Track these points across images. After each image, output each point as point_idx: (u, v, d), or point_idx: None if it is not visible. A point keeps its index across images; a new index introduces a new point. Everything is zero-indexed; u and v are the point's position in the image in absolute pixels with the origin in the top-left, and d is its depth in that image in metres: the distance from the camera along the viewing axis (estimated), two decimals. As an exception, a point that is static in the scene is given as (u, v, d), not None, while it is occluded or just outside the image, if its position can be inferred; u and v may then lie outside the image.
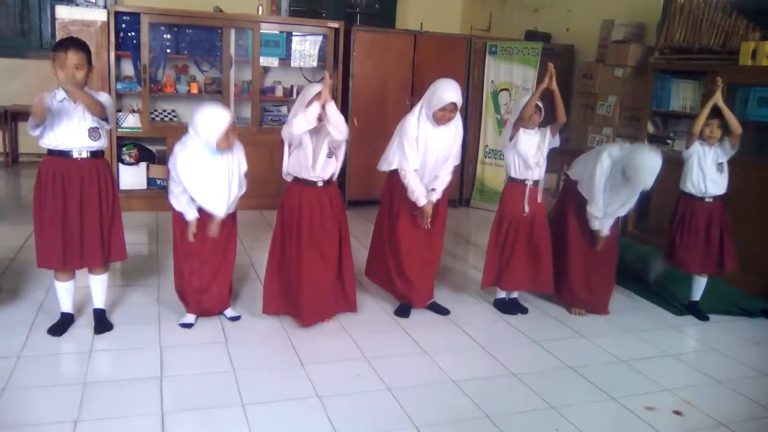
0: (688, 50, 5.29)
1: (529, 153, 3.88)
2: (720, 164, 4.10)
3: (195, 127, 3.34)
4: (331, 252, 3.67)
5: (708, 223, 4.16)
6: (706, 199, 4.14)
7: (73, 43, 3.25)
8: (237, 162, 3.50)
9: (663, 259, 4.46)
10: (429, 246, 3.97)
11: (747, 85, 4.77)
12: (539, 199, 4.00)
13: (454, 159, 3.86)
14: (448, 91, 3.64)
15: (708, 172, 4.08)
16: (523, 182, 3.96)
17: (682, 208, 4.23)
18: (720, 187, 4.13)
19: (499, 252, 4.05)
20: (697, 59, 5.20)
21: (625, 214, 4.20)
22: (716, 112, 4.03)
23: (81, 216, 3.33)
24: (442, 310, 4.04)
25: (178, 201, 3.44)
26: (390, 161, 3.83)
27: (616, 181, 3.83)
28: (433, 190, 3.82)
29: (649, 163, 3.62)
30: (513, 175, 3.99)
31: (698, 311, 4.28)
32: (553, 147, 3.98)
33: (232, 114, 3.40)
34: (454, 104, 3.65)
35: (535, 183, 3.97)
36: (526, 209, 3.95)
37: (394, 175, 3.86)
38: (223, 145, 3.35)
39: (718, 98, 4.00)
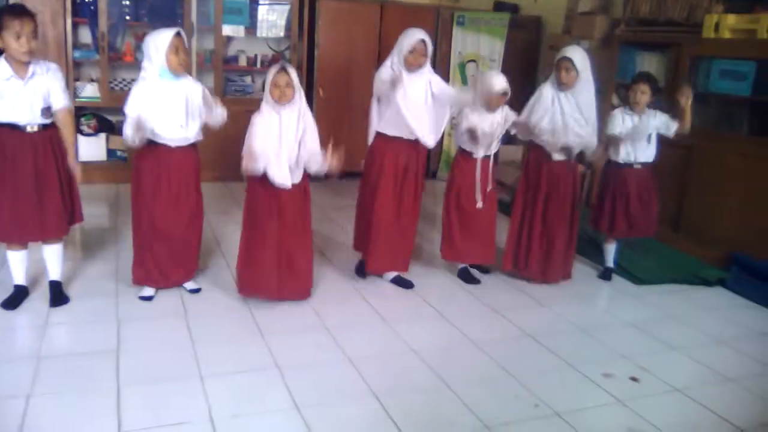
0: (653, 22, 5.29)
1: (484, 136, 3.91)
2: (648, 135, 4.12)
3: (146, 53, 3.27)
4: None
5: (638, 189, 4.19)
6: (635, 165, 4.17)
7: (22, 10, 3.13)
8: (194, 87, 3.38)
9: (588, 223, 4.49)
10: (406, 216, 3.93)
11: (710, 58, 4.80)
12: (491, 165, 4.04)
13: (442, 109, 3.82)
14: (416, 32, 3.66)
15: (639, 146, 4.12)
16: (471, 155, 3.97)
17: (609, 175, 4.27)
18: (648, 156, 4.17)
19: (456, 222, 4.09)
20: (662, 31, 5.20)
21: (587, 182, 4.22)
22: (645, 77, 4.04)
23: (39, 188, 3.25)
24: (405, 284, 4.03)
25: (128, 123, 3.27)
26: (372, 121, 3.84)
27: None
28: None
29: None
30: (465, 147, 4.00)
31: (610, 275, 4.39)
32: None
33: (179, 29, 3.29)
34: (423, 42, 3.65)
35: (486, 156, 3.98)
36: (478, 192, 3.97)
37: (374, 143, 3.86)
38: (174, 61, 3.24)
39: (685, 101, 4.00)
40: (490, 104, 3.86)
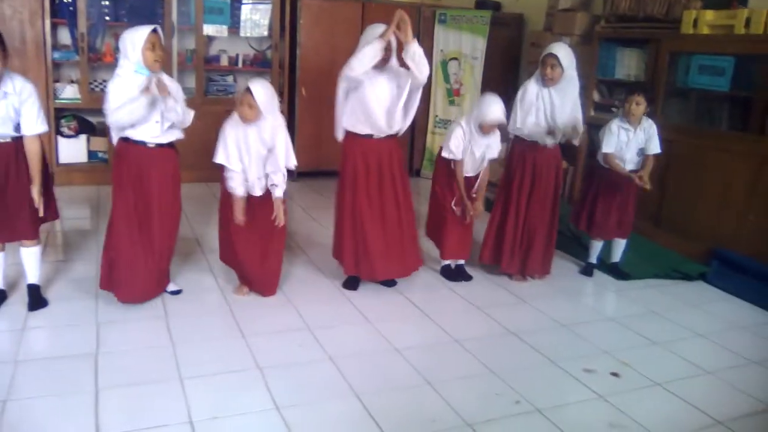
0: (633, 18, 5.31)
1: (472, 161, 3.95)
2: (641, 149, 4.13)
3: (122, 50, 3.24)
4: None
5: (622, 193, 4.21)
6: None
7: None
8: (173, 85, 3.36)
9: (569, 220, 4.50)
10: (396, 218, 3.87)
11: (689, 53, 4.83)
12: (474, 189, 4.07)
13: (411, 106, 3.79)
14: (376, 28, 3.63)
15: (629, 157, 4.14)
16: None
17: (598, 179, 4.26)
18: (636, 165, 4.18)
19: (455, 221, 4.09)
20: (642, 28, 5.23)
21: (569, 179, 4.23)
22: (641, 88, 4.05)
23: (9, 192, 3.22)
24: (388, 282, 4.01)
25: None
26: (338, 120, 3.80)
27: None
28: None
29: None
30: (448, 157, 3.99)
31: (620, 272, 4.39)
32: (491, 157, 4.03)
33: (155, 26, 3.26)
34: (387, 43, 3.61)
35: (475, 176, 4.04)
36: (464, 199, 3.99)
37: (347, 144, 3.80)
38: (150, 57, 3.21)
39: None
40: (482, 129, 3.85)
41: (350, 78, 3.60)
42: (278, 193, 3.50)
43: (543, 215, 4.09)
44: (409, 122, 3.86)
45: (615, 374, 3.11)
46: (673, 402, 2.90)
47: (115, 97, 3.21)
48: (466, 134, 3.89)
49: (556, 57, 3.79)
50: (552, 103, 3.87)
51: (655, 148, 4.10)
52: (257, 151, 3.40)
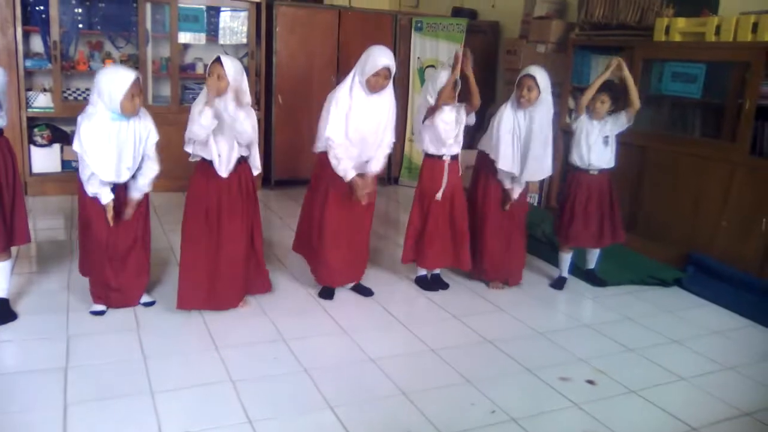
0: (607, 26, 5.36)
1: (446, 130, 3.87)
2: (606, 138, 4.13)
3: (98, 89, 3.15)
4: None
5: (595, 196, 4.19)
6: (591, 172, 4.17)
7: None
8: (146, 130, 3.31)
9: (552, 231, 4.50)
10: (358, 229, 3.89)
11: (661, 61, 4.88)
12: (459, 172, 4.01)
13: (391, 133, 3.78)
14: (381, 56, 3.57)
15: (593, 145, 4.11)
16: (440, 158, 3.95)
17: (571, 183, 4.27)
18: (606, 161, 4.16)
19: (420, 228, 4.04)
20: (615, 35, 5.27)
21: (546, 185, 4.23)
22: (607, 87, 4.08)
23: None
24: (365, 292, 4.00)
25: (91, 184, 3.24)
26: (322, 140, 3.71)
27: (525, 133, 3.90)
28: (367, 162, 3.73)
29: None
30: (430, 151, 3.98)
31: (597, 279, 4.40)
32: (468, 124, 3.97)
33: (137, 74, 3.21)
34: (387, 69, 3.58)
35: (453, 158, 3.97)
36: (444, 184, 3.93)
37: (325, 155, 3.73)
38: (128, 107, 3.17)
39: (623, 72, 4.02)
40: (447, 98, 3.81)
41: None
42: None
43: (514, 224, 4.10)
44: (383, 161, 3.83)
45: (591, 382, 3.11)
46: (648, 409, 2.90)
47: (87, 141, 3.14)
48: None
49: (533, 78, 3.80)
50: (528, 128, 3.87)
51: (620, 114, 4.10)
52: (226, 127, 3.32)
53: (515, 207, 4.08)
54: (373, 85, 3.60)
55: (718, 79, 4.57)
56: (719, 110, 4.63)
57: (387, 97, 3.72)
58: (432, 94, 3.83)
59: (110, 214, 3.29)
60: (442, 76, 3.81)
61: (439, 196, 3.97)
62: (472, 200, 4.17)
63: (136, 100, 3.19)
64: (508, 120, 3.91)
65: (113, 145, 3.19)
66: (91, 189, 3.25)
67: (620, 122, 4.10)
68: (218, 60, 3.24)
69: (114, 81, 3.13)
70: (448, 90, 3.80)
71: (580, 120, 4.15)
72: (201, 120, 3.18)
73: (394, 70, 3.64)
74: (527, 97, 3.82)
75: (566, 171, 4.38)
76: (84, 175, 3.25)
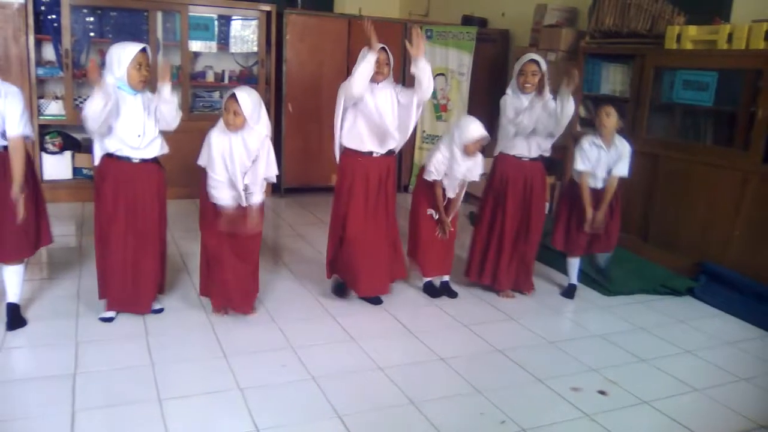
0: (618, 34, 5.33)
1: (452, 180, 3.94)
2: (610, 169, 4.02)
3: (108, 62, 3.19)
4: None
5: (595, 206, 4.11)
6: (597, 187, 4.10)
7: None
8: (153, 100, 3.31)
9: (549, 241, 4.41)
10: (382, 231, 3.87)
11: (672, 69, 4.85)
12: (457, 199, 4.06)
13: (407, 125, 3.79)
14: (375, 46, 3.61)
15: (599, 175, 4.05)
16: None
17: (570, 193, 4.21)
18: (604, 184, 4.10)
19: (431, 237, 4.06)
20: (626, 43, 5.25)
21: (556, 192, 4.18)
22: (608, 99, 4.03)
23: (1, 210, 3.17)
24: (374, 300, 3.97)
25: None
26: (336, 134, 3.80)
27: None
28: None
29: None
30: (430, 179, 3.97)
31: (606, 275, 4.39)
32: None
33: (145, 45, 3.23)
34: (383, 49, 3.62)
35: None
36: (442, 212, 3.99)
37: (347, 161, 3.80)
38: (135, 77, 3.17)
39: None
40: (467, 150, 3.82)
41: (353, 97, 3.60)
42: (254, 199, 3.42)
43: (529, 230, 4.07)
44: (407, 138, 3.88)
45: (602, 392, 3.07)
46: (661, 420, 2.86)
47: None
48: (446, 158, 3.87)
49: (537, 63, 3.80)
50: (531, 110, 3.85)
51: (622, 169, 3.99)
52: (241, 162, 3.33)
53: (533, 216, 4.05)
54: (376, 73, 3.60)
55: (730, 87, 4.53)
56: (731, 118, 4.59)
57: (391, 86, 3.75)
58: (457, 147, 3.83)
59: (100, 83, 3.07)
60: (473, 132, 3.77)
61: (431, 212, 4.03)
62: (486, 210, 4.13)
63: (143, 72, 3.19)
64: (511, 102, 3.91)
65: (127, 115, 3.20)
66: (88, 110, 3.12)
67: (621, 165, 4.01)
68: (233, 96, 3.23)
69: (123, 49, 3.17)
70: (475, 147, 3.83)
71: (587, 148, 4.02)
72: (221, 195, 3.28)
73: (391, 56, 3.69)
74: (532, 82, 3.82)
75: (568, 184, 4.34)
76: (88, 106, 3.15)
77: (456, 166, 3.85)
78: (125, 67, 3.15)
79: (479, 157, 3.93)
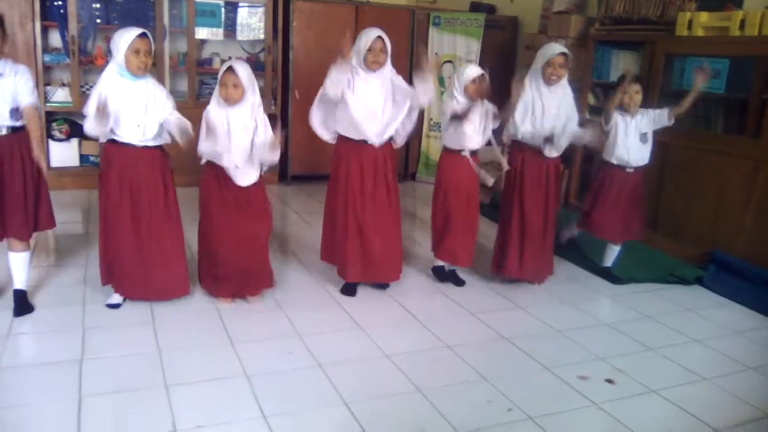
0: (628, 21, 5.28)
1: (471, 134, 3.85)
2: (644, 134, 4.09)
3: (111, 49, 3.21)
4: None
5: (627, 192, 4.17)
6: (628, 170, 4.15)
7: None
8: (160, 94, 3.29)
9: (577, 224, 4.45)
10: (383, 219, 3.82)
11: (683, 56, 4.79)
12: (475, 168, 3.97)
13: (406, 100, 3.70)
14: (372, 31, 3.59)
15: (631, 144, 4.08)
16: (460, 152, 3.91)
17: (602, 176, 4.23)
18: (643, 158, 4.15)
19: (443, 222, 4.02)
20: (636, 30, 5.19)
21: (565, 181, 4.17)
22: (635, 78, 4.02)
23: (2, 190, 3.19)
24: (380, 284, 3.96)
25: (87, 123, 3.22)
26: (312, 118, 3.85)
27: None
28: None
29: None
30: (451, 147, 3.94)
31: (611, 276, 4.35)
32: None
33: (144, 30, 3.20)
34: (381, 39, 3.56)
35: (473, 153, 3.92)
36: (485, 175, 3.94)
37: (341, 145, 3.77)
38: (133, 62, 3.15)
39: (699, 81, 3.97)
40: (468, 92, 3.78)
41: (329, 97, 3.59)
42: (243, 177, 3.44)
43: (546, 219, 4.04)
44: (407, 134, 3.85)
45: (610, 381, 3.06)
46: (669, 409, 2.85)
47: (92, 101, 3.17)
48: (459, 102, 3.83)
49: (566, 56, 3.78)
50: (544, 106, 3.82)
51: (662, 113, 4.07)
52: (241, 138, 3.32)
53: (549, 205, 4.03)
54: (372, 61, 3.57)
55: (741, 74, 4.47)
56: (743, 106, 4.53)
57: (388, 75, 3.68)
58: (459, 93, 3.81)
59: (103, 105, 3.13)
60: (469, 71, 3.77)
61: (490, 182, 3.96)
62: (508, 201, 4.09)
63: (141, 57, 3.17)
64: (528, 93, 3.88)
65: (126, 100, 3.20)
66: (90, 128, 3.21)
67: (661, 119, 4.07)
68: (231, 69, 3.22)
69: (122, 35, 3.17)
70: (475, 87, 3.78)
71: (614, 118, 4.07)
72: (218, 148, 3.24)
73: (389, 44, 3.61)
74: (559, 74, 3.80)
75: (597, 166, 4.32)
76: (87, 120, 3.22)
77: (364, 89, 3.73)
78: (123, 52, 3.15)
79: (486, 103, 3.88)
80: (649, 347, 3.44)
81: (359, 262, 3.80)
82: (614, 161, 4.15)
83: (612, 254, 4.36)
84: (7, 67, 3.14)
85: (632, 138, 4.08)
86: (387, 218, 3.83)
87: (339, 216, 3.81)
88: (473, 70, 3.80)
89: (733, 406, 2.91)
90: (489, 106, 3.90)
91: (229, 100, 3.25)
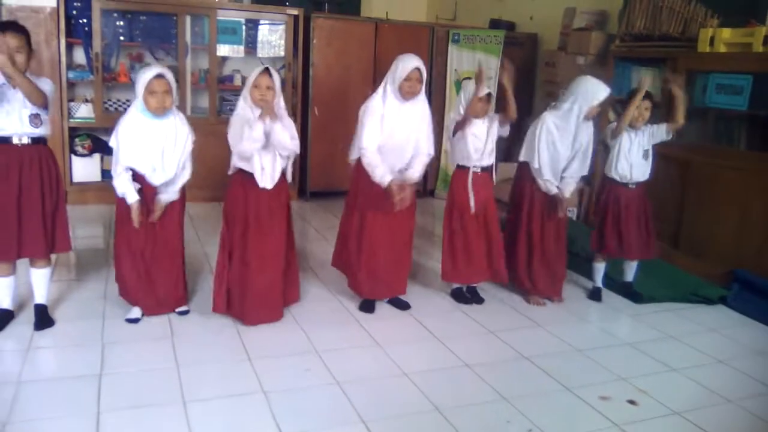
0: (649, 37, 5.25)
1: (475, 143, 3.83)
2: (646, 151, 4.06)
3: (135, 88, 3.26)
4: None
5: (634, 208, 4.11)
6: (630, 186, 4.10)
7: (11, 25, 3.16)
8: (182, 133, 3.34)
9: (591, 246, 4.36)
10: (398, 239, 3.83)
11: (705, 72, 4.75)
12: (492, 183, 3.95)
13: (428, 143, 3.72)
14: (411, 60, 3.58)
15: (635, 160, 4.05)
16: (468, 168, 3.90)
17: (606, 195, 4.18)
18: (644, 174, 4.10)
19: (453, 242, 3.99)
20: (657, 46, 5.17)
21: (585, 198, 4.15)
22: (646, 95, 3.98)
23: (19, 204, 3.21)
24: (402, 305, 3.94)
25: (119, 180, 3.28)
26: (356, 147, 3.71)
27: (564, 134, 3.86)
28: (403, 170, 3.70)
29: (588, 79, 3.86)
30: (461, 163, 3.93)
31: (633, 294, 4.29)
32: (501, 135, 3.93)
33: (160, 71, 3.24)
34: (418, 70, 3.55)
35: (484, 169, 3.91)
36: (472, 199, 3.87)
37: (361, 165, 3.72)
38: (151, 103, 3.19)
39: (675, 88, 3.95)
40: (476, 111, 3.78)
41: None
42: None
43: (557, 237, 4.02)
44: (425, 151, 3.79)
45: (632, 402, 3.01)
46: (692, 432, 2.79)
47: (121, 134, 3.24)
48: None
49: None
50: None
51: (661, 129, 4.04)
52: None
53: (558, 220, 4.00)
54: (407, 91, 3.57)
55: (765, 91, 4.42)
56: (766, 122, 4.48)
57: (420, 105, 3.69)
58: (462, 106, 3.81)
59: (135, 214, 3.30)
60: (471, 88, 3.79)
61: (472, 206, 3.90)
62: (514, 213, 4.08)
63: (160, 97, 3.20)
64: (552, 126, 3.88)
65: (144, 141, 3.24)
66: (119, 186, 3.28)
67: (659, 134, 4.03)
68: (267, 71, 3.26)
69: (142, 75, 3.22)
70: (477, 102, 3.76)
71: (621, 134, 4.05)
72: (253, 134, 3.19)
73: (425, 73, 3.61)
74: (596, 113, 3.87)
75: (602, 183, 4.29)
76: (115, 171, 3.28)
77: (475, 127, 3.82)
78: (140, 93, 3.20)
79: (493, 116, 3.88)
80: (672, 368, 3.38)
81: (372, 278, 3.79)
82: (616, 177, 4.11)
83: (630, 270, 4.31)
84: (31, 76, 3.15)
85: (635, 154, 4.04)
86: (401, 235, 3.83)
87: (354, 231, 3.81)
88: (481, 89, 3.77)
89: (758, 429, 2.85)
90: (494, 117, 3.89)
91: (263, 103, 3.24)
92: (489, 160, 3.92)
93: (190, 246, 3.79)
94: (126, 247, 3.44)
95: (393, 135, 3.61)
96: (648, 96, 4.01)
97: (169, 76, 3.27)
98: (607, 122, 5.40)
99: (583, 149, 3.90)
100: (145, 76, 3.20)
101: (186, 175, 3.44)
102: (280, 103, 3.36)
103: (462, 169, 3.94)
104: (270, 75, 3.27)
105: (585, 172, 4.02)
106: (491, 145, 3.89)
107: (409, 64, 3.55)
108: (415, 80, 3.57)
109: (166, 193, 3.39)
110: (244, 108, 3.33)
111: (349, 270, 3.93)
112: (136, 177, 3.31)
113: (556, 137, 3.86)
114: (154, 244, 3.44)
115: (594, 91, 3.80)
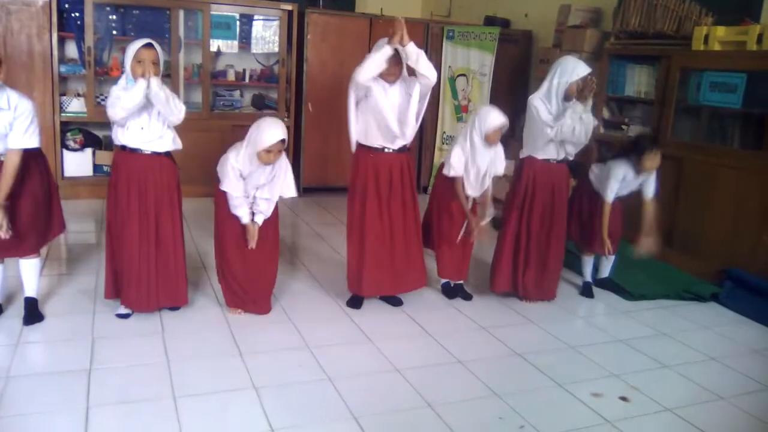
0: (643, 35, 5.25)
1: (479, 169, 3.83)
2: (631, 192, 4.13)
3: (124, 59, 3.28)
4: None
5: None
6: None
7: None
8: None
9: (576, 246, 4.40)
10: (400, 231, 3.79)
11: (700, 70, 4.75)
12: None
13: (414, 120, 3.69)
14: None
15: (623, 193, 4.13)
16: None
17: (583, 192, 4.27)
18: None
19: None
20: (652, 44, 5.16)
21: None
22: (653, 142, 4.09)
23: (13, 204, 3.16)
24: (394, 301, 3.93)
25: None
26: (351, 131, 3.74)
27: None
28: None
29: None
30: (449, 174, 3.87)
31: (612, 285, 4.37)
32: (496, 174, 3.92)
33: (154, 44, 3.19)
34: (395, 53, 3.53)
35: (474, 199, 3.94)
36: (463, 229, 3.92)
37: (359, 157, 3.73)
38: (138, 73, 3.11)
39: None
40: (488, 139, 3.74)
41: (359, 84, 3.52)
42: (259, 219, 3.47)
43: (555, 235, 4.00)
44: (411, 128, 3.71)
45: (624, 399, 3.00)
46: (684, 429, 2.78)
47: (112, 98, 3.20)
48: (465, 149, 3.77)
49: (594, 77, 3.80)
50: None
51: (650, 191, 4.07)
52: (258, 181, 3.40)
53: (557, 221, 4.00)
54: (387, 75, 3.56)
55: (759, 89, 4.41)
56: (760, 121, 4.48)
57: (406, 81, 3.67)
58: (478, 137, 3.75)
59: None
60: (493, 119, 3.72)
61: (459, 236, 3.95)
62: (512, 215, 4.02)
63: (145, 66, 3.12)
64: (545, 112, 3.82)
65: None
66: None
67: (651, 183, 4.08)
68: (151, 45, 3.19)
69: (130, 45, 3.22)
70: (497, 134, 3.77)
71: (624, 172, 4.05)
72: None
73: (404, 56, 3.53)
74: (588, 96, 3.80)
75: (580, 181, 4.30)
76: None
77: (478, 156, 3.75)
78: (128, 62, 3.18)
79: (500, 149, 3.84)
80: (665, 365, 3.38)
81: (378, 276, 3.76)
82: (598, 191, 4.14)
83: (608, 264, 4.35)
84: (6, 99, 3.01)
85: (626, 191, 4.11)
86: (401, 229, 3.79)
87: (354, 227, 3.78)
88: (498, 119, 3.70)
89: (751, 427, 2.84)
90: (500, 153, 3.86)
91: (266, 163, 3.33)
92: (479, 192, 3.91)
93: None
94: (120, 236, 3.39)
95: (381, 112, 3.60)
96: (655, 140, 4.13)
97: (158, 47, 3.24)
98: (601, 120, 5.41)
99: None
100: (132, 46, 3.18)
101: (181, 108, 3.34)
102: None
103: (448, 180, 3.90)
104: (283, 141, 3.29)
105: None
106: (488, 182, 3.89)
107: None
108: (392, 64, 3.53)
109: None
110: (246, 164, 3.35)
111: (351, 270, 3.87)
112: (130, 150, 3.30)
113: (544, 110, 3.83)
114: (150, 230, 3.39)
115: (574, 67, 3.76)
